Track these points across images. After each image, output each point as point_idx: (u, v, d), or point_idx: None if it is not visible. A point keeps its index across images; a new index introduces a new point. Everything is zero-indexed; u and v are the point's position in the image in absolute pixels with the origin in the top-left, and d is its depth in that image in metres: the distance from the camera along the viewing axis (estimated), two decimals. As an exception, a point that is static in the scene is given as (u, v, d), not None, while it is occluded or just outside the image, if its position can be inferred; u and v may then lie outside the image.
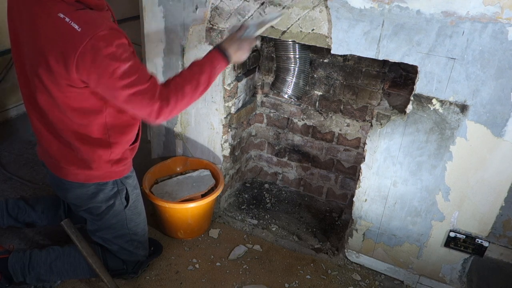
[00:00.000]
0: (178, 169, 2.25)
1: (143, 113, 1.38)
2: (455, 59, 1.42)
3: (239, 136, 2.28)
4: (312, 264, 1.99)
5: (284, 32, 1.68)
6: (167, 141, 2.29)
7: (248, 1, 1.69)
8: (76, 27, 1.23)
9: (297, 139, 2.38)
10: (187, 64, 1.99)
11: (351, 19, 1.52)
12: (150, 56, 2.07)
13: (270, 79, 2.28)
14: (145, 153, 2.37)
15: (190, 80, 1.43)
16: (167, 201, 1.95)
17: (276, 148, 2.47)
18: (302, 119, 2.31)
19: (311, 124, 2.30)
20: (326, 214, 2.36)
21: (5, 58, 2.82)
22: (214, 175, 2.16)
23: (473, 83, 1.43)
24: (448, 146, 1.56)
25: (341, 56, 2.05)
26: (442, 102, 1.51)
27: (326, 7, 1.55)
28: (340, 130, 2.23)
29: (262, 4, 1.67)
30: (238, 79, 2.08)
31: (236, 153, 2.32)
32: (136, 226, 1.73)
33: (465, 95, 1.46)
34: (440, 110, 1.52)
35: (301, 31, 1.64)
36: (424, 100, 1.53)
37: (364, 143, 1.90)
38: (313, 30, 1.62)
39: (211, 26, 1.84)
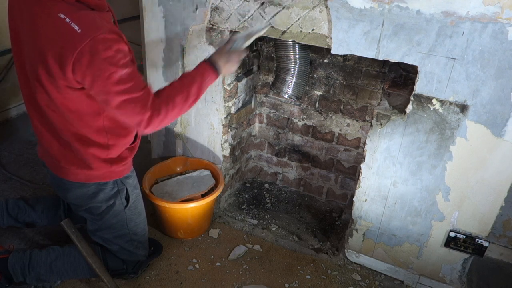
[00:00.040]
0: (178, 169, 2.25)
1: (133, 121, 1.37)
2: (455, 59, 1.42)
3: (239, 136, 2.29)
4: (312, 264, 1.99)
5: (284, 32, 1.68)
6: (167, 141, 2.29)
7: (248, 1, 1.69)
8: (76, 28, 1.23)
9: (297, 139, 2.38)
10: (187, 64, 1.99)
11: (351, 19, 1.52)
12: (150, 56, 2.07)
13: (270, 79, 2.28)
14: (145, 153, 2.37)
15: (181, 91, 1.44)
16: (167, 201, 1.95)
17: (276, 148, 2.47)
18: (302, 119, 2.31)
19: (311, 124, 2.30)
20: (326, 214, 2.36)
21: (5, 58, 2.82)
22: (214, 175, 2.16)
23: (473, 83, 1.43)
24: (448, 146, 1.56)
25: (341, 56, 2.05)
26: (442, 102, 1.51)
27: (326, 7, 1.55)
28: (340, 130, 2.23)
29: (262, 4, 1.67)
30: (238, 79, 2.08)
31: (236, 153, 2.32)
32: (136, 226, 1.73)
33: (465, 95, 1.46)
34: (440, 110, 1.52)
35: (301, 31, 1.64)
36: (424, 100, 1.53)
37: (364, 143, 1.90)
38: (313, 30, 1.62)
39: (211, 26, 1.84)
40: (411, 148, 1.63)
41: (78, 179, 1.54)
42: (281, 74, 2.09)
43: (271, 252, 2.05)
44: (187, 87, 1.45)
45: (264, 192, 2.50)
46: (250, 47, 2.12)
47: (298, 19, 1.63)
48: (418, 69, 1.49)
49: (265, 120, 2.42)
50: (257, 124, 2.45)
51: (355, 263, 2.00)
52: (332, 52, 1.61)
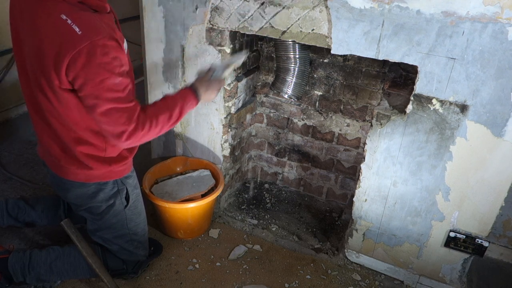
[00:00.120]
0: (178, 169, 2.25)
1: (116, 131, 1.35)
2: (455, 59, 1.42)
3: (239, 136, 2.29)
4: (312, 264, 1.99)
5: (284, 32, 1.68)
6: (167, 141, 2.29)
7: (248, 1, 1.70)
8: (77, 29, 1.23)
9: (297, 139, 2.38)
10: (187, 64, 1.99)
11: (351, 19, 1.52)
12: (150, 56, 2.07)
13: (270, 79, 2.28)
14: (145, 153, 2.37)
15: (164, 111, 1.45)
16: (167, 201, 1.95)
17: (276, 148, 2.47)
18: (302, 119, 2.31)
19: (311, 124, 2.30)
20: (326, 214, 2.36)
21: (5, 58, 2.82)
22: (214, 175, 2.16)
23: (473, 83, 1.43)
24: (448, 146, 1.56)
25: (341, 56, 2.05)
26: (442, 102, 1.51)
27: (326, 7, 1.55)
28: (340, 130, 2.23)
29: (262, 4, 1.67)
30: (238, 79, 2.08)
31: (236, 153, 2.32)
32: (136, 226, 1.73)
33: (465, 95, 1.46)
34: (440, 110, 1.52)
35: (301, 31, 1.64)
36: (424, 100, 1.53)
37: (364, 143, 1.90)
38: (313, 30, 1.62)
39: (211, 26, 1.84)
40: (411, 148, 1.63)
41: (78, 179, 1.54)
42: (281, 74, 2.10)
43: (271, 252, 2.05)
44: (170, 108, 1.47)
45: (264, 192, 2.50)
46: (250, 47, 2.12)
47: (298, 19, 1.63)
48: (418, 69, 1.49)
49: (265, 120, 2.42)
50: (257, 124, 2.45)
51: (355, 263, 2.00)
52: (332, 52, 1.61)
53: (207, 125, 2.11)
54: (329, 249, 2.07)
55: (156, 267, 1.91)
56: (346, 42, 1.57)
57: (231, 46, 1.91)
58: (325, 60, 2.11)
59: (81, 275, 1.73)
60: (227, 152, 2.17)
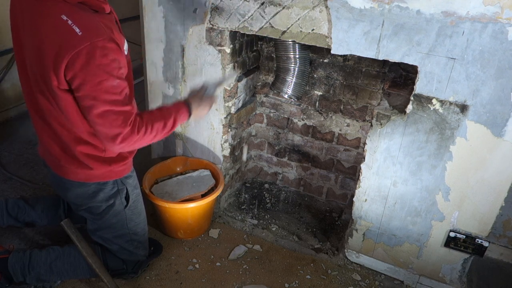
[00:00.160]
0: (178, 169, 2.25)
1: (111, 133, 1.34)
2: (455, 59, 1.42)
3: (239, 136, 2.29)
4: (312, 264, 1.99)
5: (284, 32, 1.68)
6: (167, 141, 2.29)
7: (248, 1, 1.70)
8: (77, 30, 1.23)
9: (297, 139, 2.38)
10: (187, 64, 1.99)
11: (351, 19, 1.52)
12: (150, 56, 2.07)
13: (270, 79, 2.28)
14: (145, 153, 2.37)
15: (159, 120, 1.46)
16: (167, 201, 1.95)
17: (276, 148, 2.47)
18: (302, 119, 2.31)
19: (311, 124, 2.30)
20: (326, 214, 2.36)
21: (5, 58, 2.82)
22: (214, 175, 2.16)
23: (473, 83, 1.43)
24: (448, 146, 1.56)
25: (341, 56, 2.05)
26: (442, 102, 1.51)
27: (326, 7, 1.55)
28: (340, 130, 2.23)
29: (262, 4, 1.67)
30: (238, 79, 2.08)
31: (236, 153, 2.32)
32: (136, 226, 1.73)
33: (465, 95, 1.46)
34: (440, 110, 1.52)
35: (301, 31, 1.64)
36: (424, 100, 1.53)
37: (364, 143, 1.90)
38: (313, 30, 1.62)
39: (211, 26, 1.84)
40: (411, 148, 1.63)
41: (78, 179, 1.54)
42: (281, 74, 2.10)
43: (271, 252, 2.05)
44: (165, 118, 1.48)
45: (264, 192, 2.50)
46: (251, 47, 2.12)
47: (298, 19, 1.63)
48: (418, 69, 1.49)
49: (265, 120, 2.42)
50: (257, 124, 2.45)
51: (355, 263, 2.00)
52: (332, 52, 1.61)
53: (207, 125, 2.11)
54: (329, 249, 2.07)
55: (156, 267, 1.91)
56: (346, 42, 1.57)
57: (231, 46, 1.91)
58: (325, 60, 2.11)
59: (81, 275, 1.73)
60: (227, 152, 2.17)
